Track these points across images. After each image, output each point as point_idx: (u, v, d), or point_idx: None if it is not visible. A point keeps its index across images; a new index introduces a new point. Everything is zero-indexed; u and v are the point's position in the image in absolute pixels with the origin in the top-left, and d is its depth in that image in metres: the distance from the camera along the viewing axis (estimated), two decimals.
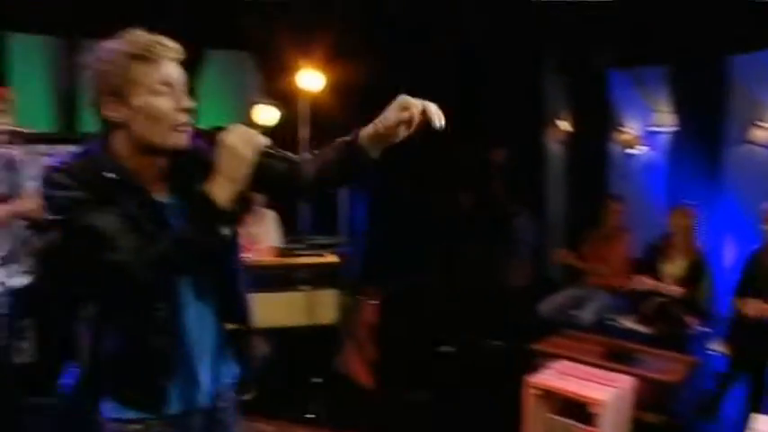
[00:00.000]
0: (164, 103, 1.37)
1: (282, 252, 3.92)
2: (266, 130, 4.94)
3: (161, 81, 1.37)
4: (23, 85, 4.93)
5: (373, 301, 3.95)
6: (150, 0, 4.60)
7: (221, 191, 1.34)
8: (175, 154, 1.45)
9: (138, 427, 1.50)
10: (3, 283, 2.69)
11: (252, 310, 1.65)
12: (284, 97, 5.15)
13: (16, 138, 2.77)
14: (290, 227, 5.25)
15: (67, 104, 5.04)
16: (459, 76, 5.74)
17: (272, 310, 3.27)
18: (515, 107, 5.58)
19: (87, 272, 1.45)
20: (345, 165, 1.50)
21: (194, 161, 1.47)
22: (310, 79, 5.04)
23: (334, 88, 5.10)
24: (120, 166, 1.41)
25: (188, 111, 1.40)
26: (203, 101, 5.60)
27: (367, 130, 1.46)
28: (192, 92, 4.69)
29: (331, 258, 3.49)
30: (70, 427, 2.56)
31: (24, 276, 2.83)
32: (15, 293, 2.71)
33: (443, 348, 4.24)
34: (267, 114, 4.99)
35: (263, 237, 4.02)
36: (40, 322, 3.11)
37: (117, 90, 1.36)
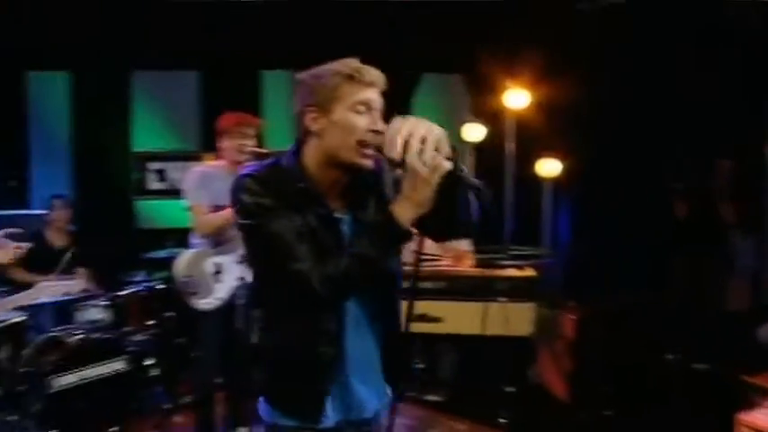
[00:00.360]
0: (359, 121, 1.45)
1: (480, 261, 4.13)
2: (474, 147, 5.25)
3: (362, 101, 1.46)
4: (273, 114, 5.96)
5: (573, 316, 4.00)
6: (375, 31, 5.24)
7: (405, 213, 1.38)
8: (356, 172, 1.52)
9: None
10: (243, 278, 3.32)
11: (401, 325, 1.67)
12: (491, 116, 5.40)
13: (260, 157, 3.36)
14: (491, 235, 5.49)
15: None
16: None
17: (468, 318, 3.53)
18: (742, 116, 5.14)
19: (268, 276, 1.56)
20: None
21: (371, 179, 1.56)
22: (516, 98, 5.23)
23: (539, 106, 5.22)
24: (309, 177, 1.50)
25: (377, 133, 1.44)
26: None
27: None
28: (407, 111, 5.16)
29: (530, 272, 3.65)
30: None
31: None
32: (251, 286, 3.30)
33: (644, 366, 4.11)
34: (475, 132, 5.29)
35: (454, 243, 4.28)
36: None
37: (321, 102, 1.46)
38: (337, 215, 1.54)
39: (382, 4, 5.06)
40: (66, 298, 3.90)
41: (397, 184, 1.47)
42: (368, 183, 1.58)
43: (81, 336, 3.73)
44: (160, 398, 4.12)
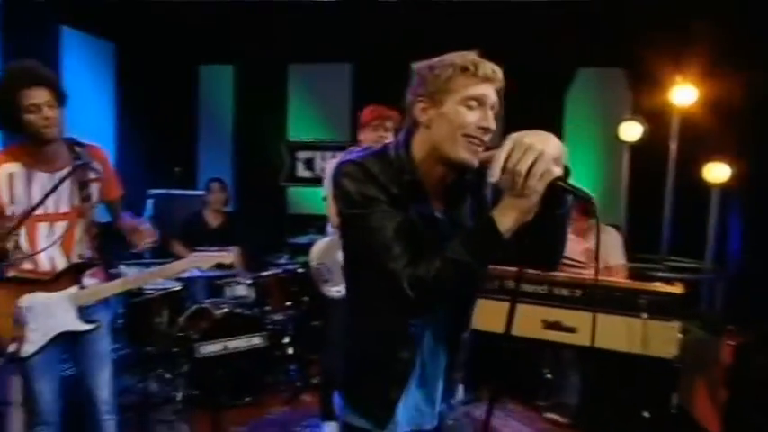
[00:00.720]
0: (469, 116, 1.38)
1: (633, 271, 3.80)
2: (632, 146, 4.87)
3: (474, 96, 1.39)
4: None
5: (733, 341, 3.56)
6: (528, 26, 5.07)
7: (506, 219, 1.30)
8: (459, 171, 1.46)
9: None
10: None
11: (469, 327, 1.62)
12: (654, 113, 5.00)
13: None
14: (649, 245, 5.07)
15: None
16: None
17: (604, 331, 3.27)
18: None
19: (361, 269, 1.50)
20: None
21: (474, 180, 1.49)
22: (683, 94, 4.79)
23: (707, 103, 4.72)
24: (414, 168, 1.44)
25: (487, 131, 1.39)
26: (570, 118, 5.86)
27: None
28: (560, 106, 4.91)
29: (678, 288, 3.28)
30: None
31: None
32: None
33: None
34: (633, 131, 4.92)
35: (602, 253, 4.00)
36: None
37: (432, 93, 1.41)
38: (437, 215, 1.48)
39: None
40: (216, 273, 4.26)
41: (499, 190, 1.36)
42: (469, 184, 1.52)
43: (226, 309, 4.04)
44: (293, 375, 4.35)
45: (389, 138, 3.33)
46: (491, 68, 1.41)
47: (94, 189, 2.55)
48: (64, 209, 2.47)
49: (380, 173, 1.41)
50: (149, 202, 5.03)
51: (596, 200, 1.31)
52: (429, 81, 1.42)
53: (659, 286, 3.35)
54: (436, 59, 1.45)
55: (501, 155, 1.27)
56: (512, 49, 5.56)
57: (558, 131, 5.36)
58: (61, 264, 2.48)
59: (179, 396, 3.94)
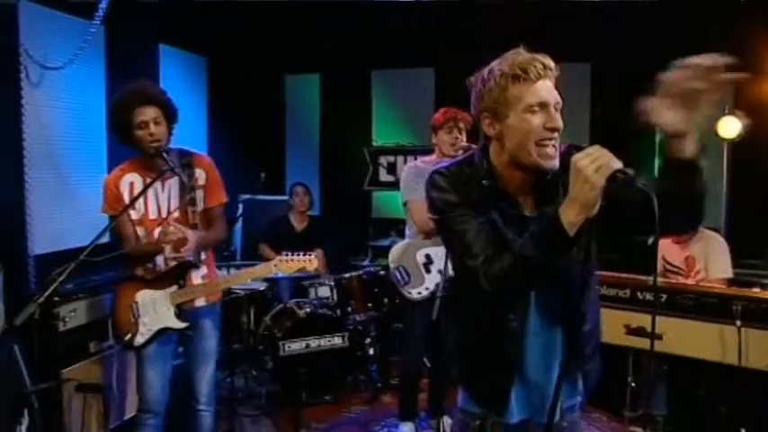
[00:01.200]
0: (534, 121, 1.42)
1: (735, 277, 3.53)
2: (733, 143, 4.58)
3: (534, 101, 1.42)
4: None
5: None
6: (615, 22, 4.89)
7: (569, 214, 1.32)
8: (542, 173, 1.50)
9: (478, 422, 1.64)
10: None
11: (589, 328, 1.61)
12: (760, 105, 4.67)
13: (467, 151, 3.36)
14: (753, 249, 4.72)
15: None
16: None
17: (693, 339, 3.07)
18: None
19: (457, 270, 1.65)
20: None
21: (561, 177, 1.48)
22: None
23: None
24: (494, 174, 1.52)
25: (555, 130, 1.43)
26: None
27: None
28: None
29: None
30: None
31: None
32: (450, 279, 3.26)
33: None
34: (732, 127, 4.61)
35: (705, 263, 3.73)
36: None
37: (493, 108, 1.47)
38: (527, 213, 1.54)
39: None
40: (300, 275, 4.39)
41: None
42: (557, 181, 1.52)
43: (309, 309, 4.17)
44: (373, 376, 4.41)
45: (463, 138, 3.32)
46: (541, 64, 1.43)
47: (199, 195, 2.76)
48: (176, 213, 2.70)
49: (462, 180, 1.55)
50: (240, 207, 5.28)
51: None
52: (486, 96, 1.48)
53: (756, 292, 3.11)
54: (486, 70, 1.49)
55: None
56: (598, 50, 5.46)
57: (650, 131, 5.13)
58: (173, 264, 2.71)
59: (263, 392, 4.12)
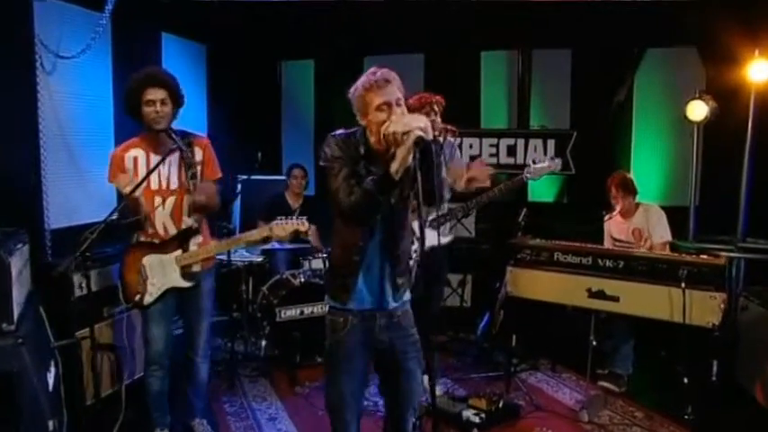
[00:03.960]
0: (381, 116, 2.14)
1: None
2: (705, 125, 4.84)
3: (381, 104, 2.14)
4: (490, 92, 6.24)
5: None
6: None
7: (394, 163, 2.05)
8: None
9: (340, 317, 2.30)
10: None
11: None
12: (730, 90, 4.93)
13: (447, 132, 3.69)
14: (724, 226, 5.01)
15: (520, 106, 6.02)
16: None
17: (646, 300, 3.41)
18: None
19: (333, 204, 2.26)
20: None
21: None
22: (759, 70, 4.69)
23: None
24: (368, 144, 2.21)
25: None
26: (640, 99, 5.85)
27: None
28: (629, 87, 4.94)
29: (720, 261, 3.36)
30: None
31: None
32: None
33: None
34: (700, 110, 4.89)
35: (647, 231, 4.12)
36: None
37: (359, 108, 2.23)
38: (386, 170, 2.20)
39: None
40: (295, 247, 4.74)
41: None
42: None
43: (303, 279, 4.52)
44: None
45: (438, 120, 3.62)
46: (383, 80, 2.15)
47: (199, 170, 3.11)
48: (173, 186, 3.08)
49: (346, 144, 2.22)
50: (238, 187, 5.58)
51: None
52: (354, 101, 2.25)
53: (701, 258, 3.44)
54: (356, 84, 2.25)
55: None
56: (577, 32, 5.70)
57: (627, 113, 5.41)
58: (172, 230, 3.08)
59: (261, 355, 4.49)
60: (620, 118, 5.84)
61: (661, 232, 4.16)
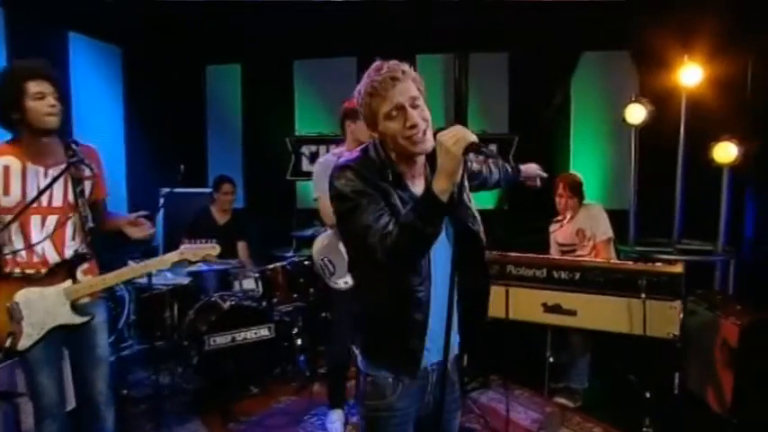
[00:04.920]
0: (395, 126, 1.68)
1: (641, 254, 3.79)
2: (641, 128, 4.82)
3: (391, 108, 1.68)
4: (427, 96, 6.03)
5: (738, 321, 3.52)
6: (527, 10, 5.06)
7: (438, 183, 1.56)
8: (420, 158, 1.76)
9: (388, 377, 1.79)
10: None
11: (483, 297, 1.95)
12: (663, 94, 4.94)
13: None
14: (660, 228, 5.03)
15: (458, 111, 5.87)
16: None
17: (605, 313, 3.26)
18: None
19: (361, 252, 1.73)
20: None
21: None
22: (690, 74, 4.75)
23: (714, 83, 4.67)
24: (392, 164, 1.75)
25: (415, 126, 1.66)
26: (576, 103, 5.83)
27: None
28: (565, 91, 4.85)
29: (678, 268, 3.25)
30: None
31: None
32: None
33: None
34: (638, 113, 4.88)
35: (590, 230, 4.02)
36: None
37: (367, 118, 1.76)
38: (417, 192, 1.78)
39: None
40: (224, 267, 4.34)
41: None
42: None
43: (234, 302, 4.12)
44: (301, 366, 4.42)
45: None
46: (389, 78, 1.67)
47: (87, 186, 2.60)
48: (56, 203, 2.52)
49: (368, 170, 1.72)
50: (160, 201, 5.12)
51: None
52: (360, 111, 1.77)
53: (659, 266, 3.33)
54: (358, 88, 1.75)
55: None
56: (516, 35, 5.63)
57: (564, 116, 5.33)
58: (53, 257, 2.51)
59: (190, 388, 4.05)
60: (558, 122, 5.81)
61: (603, 229, 4.05)
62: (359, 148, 1.80)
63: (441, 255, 1.74)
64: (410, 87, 1.69)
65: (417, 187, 1.78)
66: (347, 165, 1.72)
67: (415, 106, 1.68)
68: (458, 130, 1.56)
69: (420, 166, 1.79)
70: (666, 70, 4.93)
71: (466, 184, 1.79)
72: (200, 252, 2.76)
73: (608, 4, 4.91)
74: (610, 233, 4.04)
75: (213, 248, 2.78)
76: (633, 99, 4.90)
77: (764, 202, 4.81)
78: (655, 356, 3.36)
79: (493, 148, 5.71)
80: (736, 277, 4.78)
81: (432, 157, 1.69)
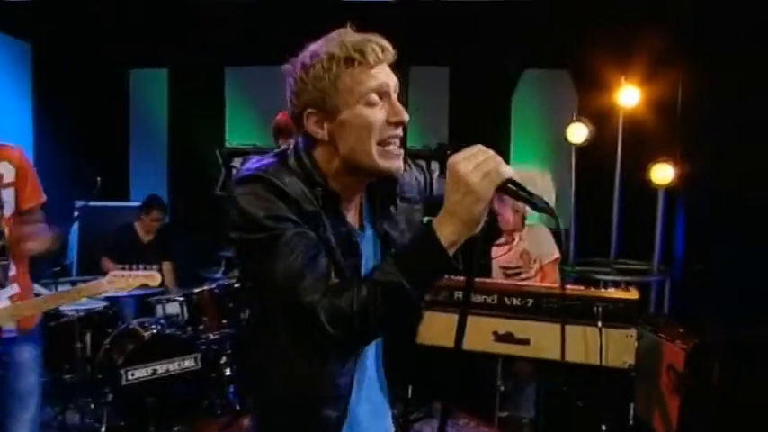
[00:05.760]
0: (374, 116, 1.15)
1: (581, 274, 3.71)
2: (580, 148, 4.81)
3: (373, 87, 1.14)
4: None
5: (683, 345, 3.48)
6: (470, 27, 4.99)
7: (446, 230, 1.05)
8: (383, 178, 1.24)
9: None
10: None
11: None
12: (601, 114, 4.96)
13: None
14: (597, 248, 5.03)
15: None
16: None
17: (558, 343, 3.12)
18: None
19: (272, 304, 1.23)
20: None
21: (401, 185, 1.33)
22: (627, 96, 4.81)
23: (650, 104, 4.78)
24: (322, 180, 1.20)
25: (400, 124, 1.18)
26: (517, 120, 5.79)
27: None
28: (506, 109, 4.78)
29: (633, 294, 3.17)
30: None
31: None
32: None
33: None
34: (579, 133, 4.86)
35: (536, 253, 3.91)
36: None
37: (322, 102, 1.15)
38: (356, 238, 1.25)
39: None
40: (144, 291, 3.94)
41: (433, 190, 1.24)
42: (394, 190, 1.31)
43: (155, 330, 3.73)
44: (231, 398, 4.06)
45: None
46: (378, 46, 1.16)
47: (6, 195, 2.23)
48: None
49: (290, 186, 1.15)
50: (74, 215, 4.66)
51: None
52: (310, 87, 1.16)
53: (614, 293, 3.23)
54: (309, 53, 1.18)
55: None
56: (458, 50, 5.54)
57: (505, 133, 5.26)
58: None
59: (103, 428, 3.61)
60: (498, 138, 5.76)
61: (549, 250, 3.93)
62: (272, 153, 1.25)
63: None
64: (392, 73, 1.20)
65: (358, 228, 1.29)
66: (256, 174, 1.15)
67: (397, 95, 1.20)
68: (484, 155, 1.05)
69: (358, 197, 1.28)
70: (604, 91, 5.02)
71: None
72: (134, 281, 2.45)
73: (548, 23, 4.94)
74: (557, 253, 3.94)
75: (152, 277, 2.47)
76: (574, 118, 4.90)
77: (694, 222, 4.89)
78: (608, 386, 3.25)
79: (435, 165, 5.55)
80: (670, 298, 4.85)
81: (372, 187, 1.27)
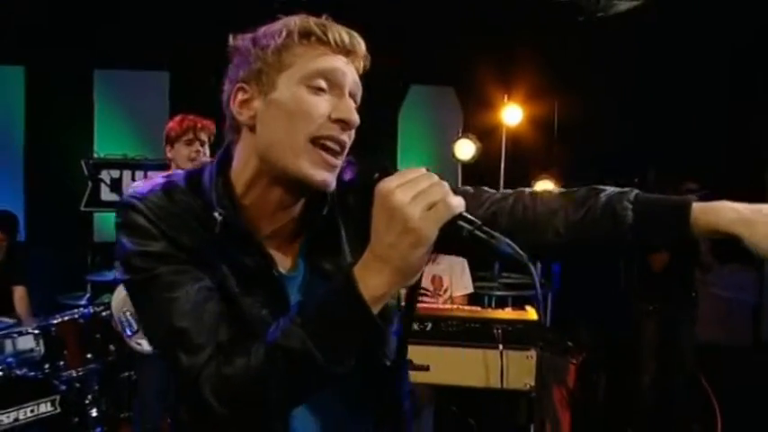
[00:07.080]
0: (316, 104, 0.92)
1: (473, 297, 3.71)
2: (465, 164, 4.88)
3: (322, 71, 0.93)
4: None
5: (572, 360, 3.56)
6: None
7: (371, 280, 0.83)
8: (316, 199, 0.99)
9: None
10: None
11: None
12: (485, 131, 5.09)
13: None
14: (480, 263, 5.10)
15: None
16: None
17: (460, 367, 3.07)
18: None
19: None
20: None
21: (345, 208, 1.04)
22: (510, 114, 5.02)
23: (532, 123, 5.03)
24: (234, 201, 0.96)
25: (346, 125, 0.94)
26: (403, 136, 5.80)
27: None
28: (392, 124, 4.73)
29: (530, 315, 3.19)
30: None
31: None
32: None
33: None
34: (467, 149, 4.93)
35: (448, 282, 3.85)
36: None
37: (258, 74, 0.93)
38: (282, 271, 0.99)
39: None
40: None
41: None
42: (336, 216, 1.03)
43: (3, 370, 3.21)
44: None
45: (206, 152, 2.86)
46: (347, 33, 0.96)
47: None
48: None
49: (171, 215, 0.93)
50: None
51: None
52: (253, 57, 0.94)
53: (513, 313, 3.25)
54: (264, 27, 0.97)
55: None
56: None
57: (392, 149, 5.23)
58: None
59: None
60: (384, 153, 5.75)
61: (465, 283, 3.90)
62: (165, 174, 1.02)
63: None
64: (356, 76, 0.98)
65: (280, 260, 1.01)
66: (129, 200, 0.94)
67: (355, 101, 0.98)
68: (427, 181, 0.81)
69: (291, 221, 1.01)
70: (488, 108, 5.22)
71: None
72: None
73: (433, 39, 5.01)
74: (470, 288, 3.91)
75: None
76: (461, 135, 4.97)
77: None
78: (507, 408, 3.25)
79: None
80: (552, 311, 5.04)
81: (312, 212, 1.01)
